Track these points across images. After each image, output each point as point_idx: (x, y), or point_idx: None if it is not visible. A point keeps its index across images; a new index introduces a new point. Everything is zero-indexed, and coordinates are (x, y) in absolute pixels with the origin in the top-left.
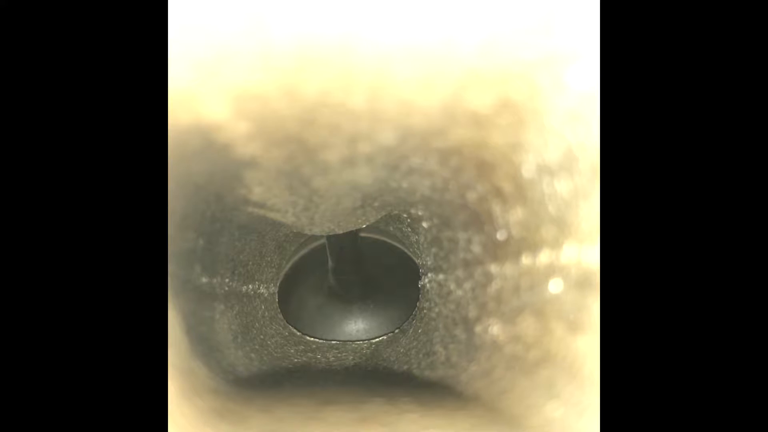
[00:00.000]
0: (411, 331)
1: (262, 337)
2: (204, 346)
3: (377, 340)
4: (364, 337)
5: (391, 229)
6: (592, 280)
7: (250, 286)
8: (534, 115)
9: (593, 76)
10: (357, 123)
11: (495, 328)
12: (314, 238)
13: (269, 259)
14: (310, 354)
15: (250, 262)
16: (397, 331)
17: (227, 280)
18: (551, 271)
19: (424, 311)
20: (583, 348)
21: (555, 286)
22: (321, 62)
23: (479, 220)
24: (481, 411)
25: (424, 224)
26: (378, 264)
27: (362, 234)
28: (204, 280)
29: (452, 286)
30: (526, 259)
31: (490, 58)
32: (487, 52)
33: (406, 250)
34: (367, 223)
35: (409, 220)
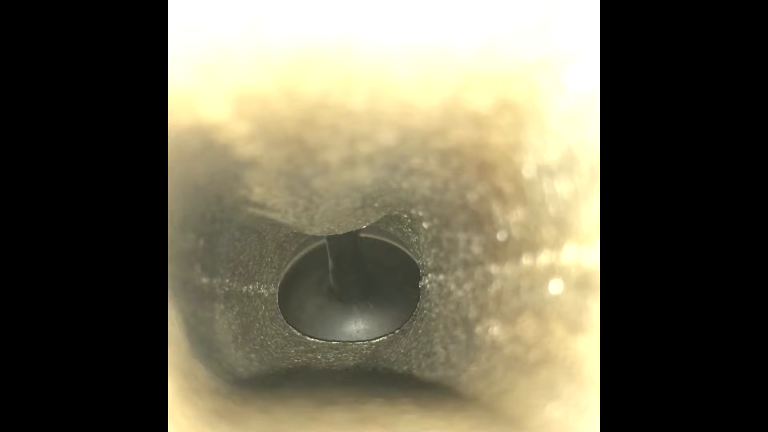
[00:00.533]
0: (411, 331)
1: (262, 337)
2: (204, 346)
3: (377, 340)
4: (364, 338)
5: (392, 229)
6: (592, 281)
7: (251, 287)
8: (534, 116)
9: (593, 77)
10: (357, 123)
11: (495, 329)
12: (314, 238)
13: (269, 259)
14: (310, 354)
15: (251, 263)
16: (397, 331)
17: (227, 280)
18: (551, 271)
19: (424, 312)
20: (583, 349)
21: (555, 287)
22: (321, 63)
23: (479, 221)
24: (481, 412)
25: (425, 225)
26: (378, 264)
27: (362, 234)
28: (204, 280)
29: (452, 287)
30: (526, 260)
31: (489, 58)
32: (487, 53)
33: (406, 251)
34: (367, 224)
35: (409, 221)
